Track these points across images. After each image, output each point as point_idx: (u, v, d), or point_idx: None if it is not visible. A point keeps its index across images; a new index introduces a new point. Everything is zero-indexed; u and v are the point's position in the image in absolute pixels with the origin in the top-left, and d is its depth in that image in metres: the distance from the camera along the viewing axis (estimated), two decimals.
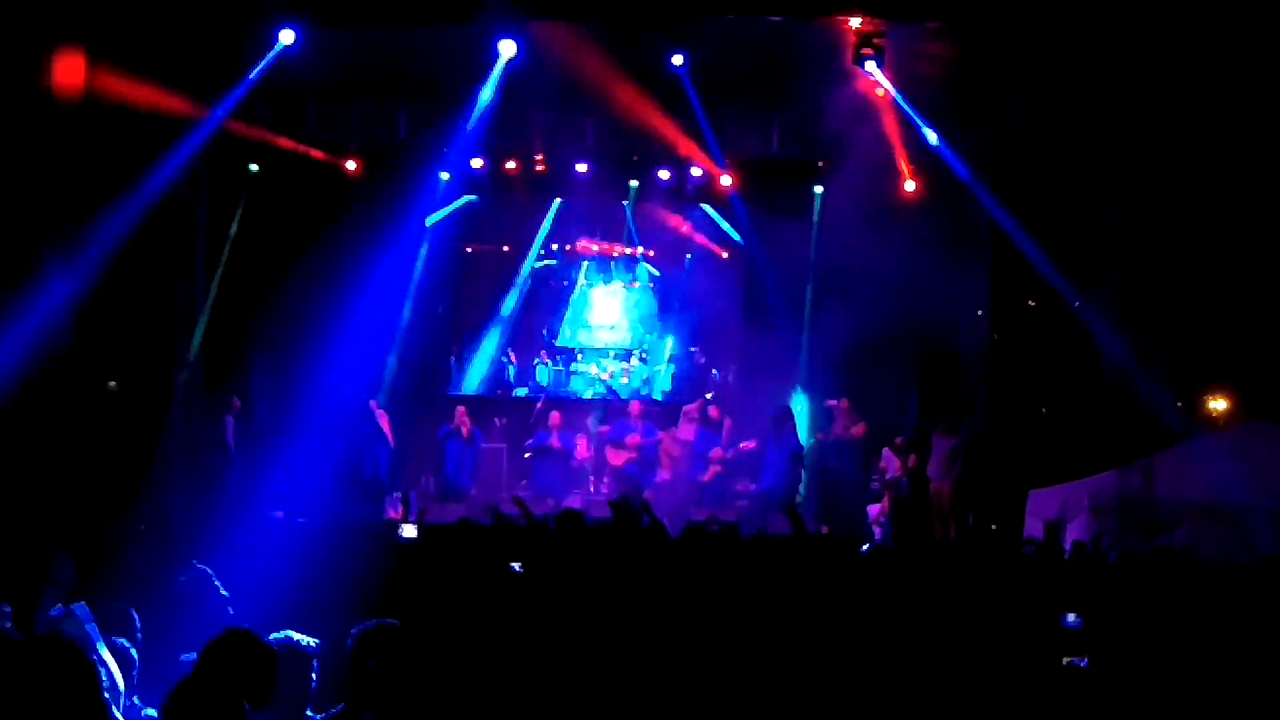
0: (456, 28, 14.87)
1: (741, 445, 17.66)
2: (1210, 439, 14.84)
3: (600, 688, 5.60)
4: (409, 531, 11.42)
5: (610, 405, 19.98)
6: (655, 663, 5.81)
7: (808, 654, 5.99)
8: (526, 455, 18.43)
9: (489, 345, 20.63)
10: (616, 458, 17.53)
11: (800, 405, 18.72)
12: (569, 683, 5.63)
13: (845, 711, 5.68)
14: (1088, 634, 6.79)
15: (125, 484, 14.96)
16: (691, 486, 17.46)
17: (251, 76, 15.15)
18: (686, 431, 17.87)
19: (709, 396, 19.91)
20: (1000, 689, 5.97)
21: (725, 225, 20.23)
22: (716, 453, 17.34)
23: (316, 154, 18.50)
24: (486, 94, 16.29)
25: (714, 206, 20.08)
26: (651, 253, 20.81)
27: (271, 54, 14.82)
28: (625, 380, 20.54)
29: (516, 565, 8.37)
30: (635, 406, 18.08)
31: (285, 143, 18.09)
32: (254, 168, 18.46)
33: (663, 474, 17.51)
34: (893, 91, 15.56)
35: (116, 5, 13.65)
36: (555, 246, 20.80)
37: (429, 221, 19.63)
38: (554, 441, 17.71)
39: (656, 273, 20.82)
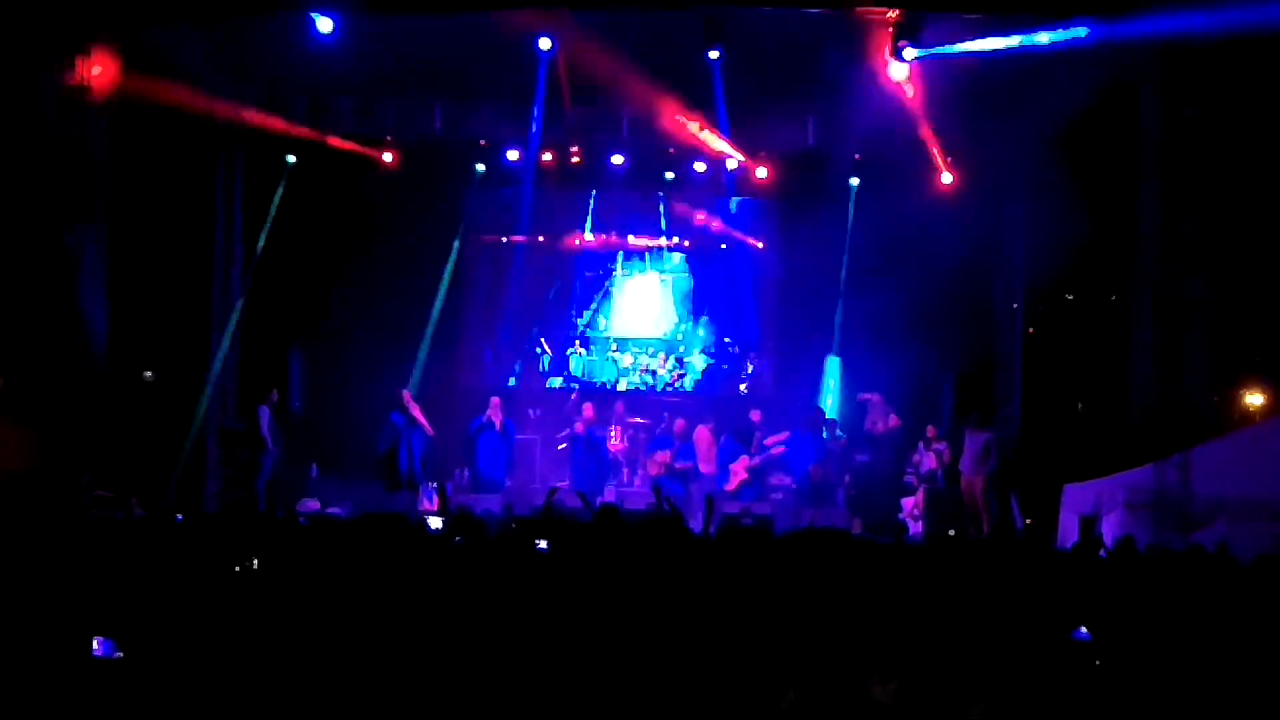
0: (491, 21, 14.85)
1: (772, 450, 17.44)
2: (1247, 434, 14.65)
3: (619, 683, 5.61)
4: (438, 523, 11.42)
5: (644, 396, 19.98)
6: (677, 657, 5.80)
7: (831, 651, 5.97)
8: (560, 447, 18.44)
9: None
10: (653, 467, 17.47)
11: (833, 399, 18.73)
12: (587, 676, 5.64)
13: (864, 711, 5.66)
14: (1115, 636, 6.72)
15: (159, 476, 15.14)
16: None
17: None
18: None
19: (743, 390, 19.94)
20: (1028, 688, 5.94)
21: (759, 218, 20.20)
22: (743, 462, 17.13)
23: (352, 147, 18.59)
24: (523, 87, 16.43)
25: (749, 199, 20.03)
26: (687, 244, 20.78)
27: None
28: (661, 371, 20.54)
29: (542, 544, 8.32)
30: (679, 425, 17.74)
31: (322, 136, 18.21)
32: (290, 159, 18.60)
33: (704, 467, 17.44)
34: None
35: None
36: (591, 238, 20.82)
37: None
38: (579, 428, 17.55)
39: (690, 265, 20.78)
